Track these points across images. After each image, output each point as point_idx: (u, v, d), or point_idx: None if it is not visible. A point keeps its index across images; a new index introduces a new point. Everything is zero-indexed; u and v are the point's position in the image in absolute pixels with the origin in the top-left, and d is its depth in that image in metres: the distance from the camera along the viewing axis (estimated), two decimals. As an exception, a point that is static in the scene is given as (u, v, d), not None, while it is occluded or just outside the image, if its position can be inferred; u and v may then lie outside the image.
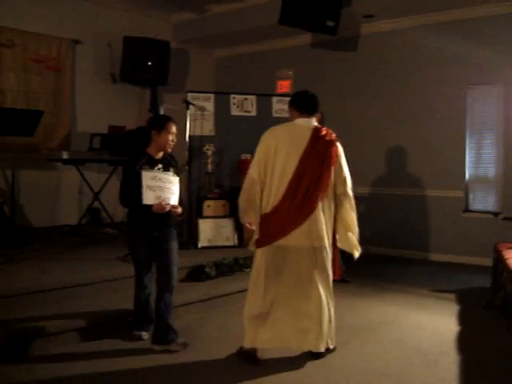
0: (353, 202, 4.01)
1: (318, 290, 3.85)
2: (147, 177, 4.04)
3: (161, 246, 4.23)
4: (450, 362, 3.98)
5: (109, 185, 7.61)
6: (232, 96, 7.33)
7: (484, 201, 7.73)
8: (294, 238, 3.83)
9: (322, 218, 3.88)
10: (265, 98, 7.53)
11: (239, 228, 6.64)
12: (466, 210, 7.79)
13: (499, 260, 5.58)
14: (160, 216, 4.13)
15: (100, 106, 8.43)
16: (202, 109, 6.98)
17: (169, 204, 4.12)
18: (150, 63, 8.55)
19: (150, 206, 4.05)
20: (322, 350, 3.91)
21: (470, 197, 7.83)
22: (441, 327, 4.80)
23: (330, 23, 7.45)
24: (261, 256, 3.93)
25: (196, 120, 6.93)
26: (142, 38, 8.51)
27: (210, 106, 7.11)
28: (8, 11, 7.41)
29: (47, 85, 7.85)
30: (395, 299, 5.65)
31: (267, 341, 3.88)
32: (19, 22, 7.49)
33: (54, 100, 7.92)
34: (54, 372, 3.68)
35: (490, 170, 7.68)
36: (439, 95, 7.94)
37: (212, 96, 7.23)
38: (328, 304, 3.92)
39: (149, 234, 4.20)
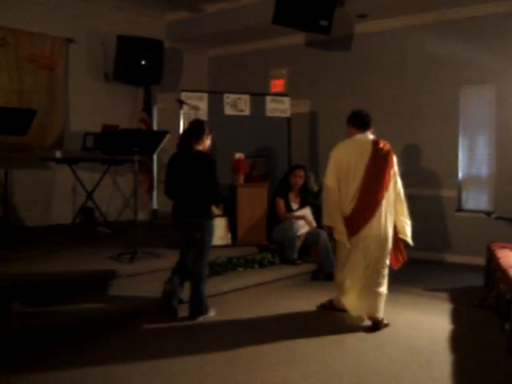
0: (403, 197, 4.95)
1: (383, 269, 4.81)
2: None
3: None
4: (442, 360, 3.99)
5: (102, 184, 7.61)
6: (225, 95, 7.33)
7: (477, 200, 7.76)
8: (370, 229, 4.69)
9: (387, 211, 4.76)
10: (258, 97, 7.54)
11: (233, 227, 6.65)
12: (459, 209, 7.82)
13: (492, 259, 5.60)
14: None
15: (93, 105, 8.41)
16: (196, 108, 6.97)
17: None
18: (143, 62, 8.54)
19: None
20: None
21: (463, 196, 7.86)
22: (434, 326, 4.82)
23: (324, 23, 7.46)
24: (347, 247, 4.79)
25: (189, 119, 6.91)
26: (136, 37, 8.49)
27: (203, 105, 7.11)
28: (0, 10, 7.38)
29: (40, 84, 7.82)
30: (388, 298, 5.64)
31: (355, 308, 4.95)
32: (12, 20, 7.46)
33: (47, 99, 7.89)
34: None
35: (483, 170, 7.71)
36: (432, 95, 7.96)
37: (205, 95, 7.23)
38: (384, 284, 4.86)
39: None
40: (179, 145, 4.90)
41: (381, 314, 4.78)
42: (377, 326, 4.72)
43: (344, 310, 5.13)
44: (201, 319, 4.80)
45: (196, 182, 4.73)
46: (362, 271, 4.77)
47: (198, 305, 4.84)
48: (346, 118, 5.02)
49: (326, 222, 4.94)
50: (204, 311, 4.87)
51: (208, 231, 4.80)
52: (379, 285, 4.79)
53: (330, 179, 4.81)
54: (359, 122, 4.91)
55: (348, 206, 4.75)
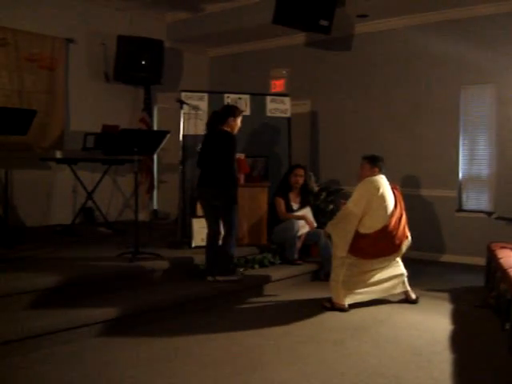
0: None
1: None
2: None
3: None
4: (443, 361, 3.99)
5: (102, 184, 7.61)
6: (226, 95, 7.32)
7: (477, 200, 7.76)
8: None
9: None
10: (259, 97, 7.53)
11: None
12: (460, 209, 7.81)
13: (492, 259, 5.61)
14: None
15: (93, 105, 8.42)
16: (196, 108, 6.97)
17: None
18: (143, 62, 8.54)
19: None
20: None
21: (464, 196, 7.86)
22: (434, 326, 4.82)
23: (324, 23, 7.46)
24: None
25: (190, 119, 6.92)
26: (136, 37, 8.49)
27: (203, 105, 7.10)
28: (1, 10, 7.38)
29: (40, 84, 7.83)
30: (388, 298, 5.65)
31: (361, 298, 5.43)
32: (12, 20, 7.46)
33: (47, 99, 7.89)
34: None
35: (484, 170, 7.70)
36: (433, 95, 7.97)
37: (206, 95, 7.22)
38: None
39: None
40: (206, 125, 5.70)
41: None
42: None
43: (344, 310, 5.21)
44: (221, 279, 5.45)
45: (216, 156, 5.43)
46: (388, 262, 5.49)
47: (223, 265, 5.48)
48: (370, 158, 5.55)
49: (331, 231, 5.50)
50: (228, 273, 5.49)
51: (227, 199, 5.42)
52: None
53: (357, 207, 5.30)
54: (381, 164, 5.53)
55: (367, 228, 5.28)
